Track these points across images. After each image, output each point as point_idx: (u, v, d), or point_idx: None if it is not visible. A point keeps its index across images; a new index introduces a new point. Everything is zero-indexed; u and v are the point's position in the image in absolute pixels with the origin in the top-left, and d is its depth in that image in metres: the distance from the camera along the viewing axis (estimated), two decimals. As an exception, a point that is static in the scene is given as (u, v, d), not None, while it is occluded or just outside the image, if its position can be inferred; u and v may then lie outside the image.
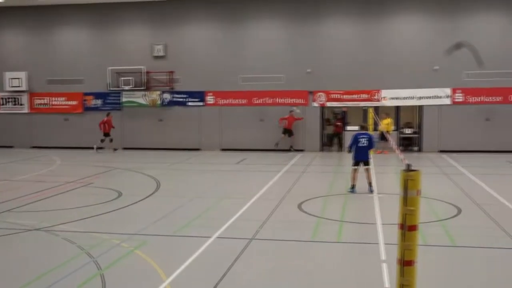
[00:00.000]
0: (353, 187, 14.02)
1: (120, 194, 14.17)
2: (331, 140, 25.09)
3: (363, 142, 13.78)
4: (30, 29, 27.23)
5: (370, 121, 22.98)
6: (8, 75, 27.03)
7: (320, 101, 24.54)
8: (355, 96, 24.26)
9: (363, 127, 15.15)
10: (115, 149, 25.34)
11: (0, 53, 27.52)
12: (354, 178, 13.95)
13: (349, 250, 9.19)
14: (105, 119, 24.92)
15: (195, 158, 22.43)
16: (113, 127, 25.14)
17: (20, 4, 26.22)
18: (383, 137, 23.01)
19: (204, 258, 8.64)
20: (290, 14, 24.77)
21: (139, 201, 13.35)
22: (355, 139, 13.87)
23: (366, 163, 14.00)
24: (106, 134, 24.85)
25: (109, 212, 12.14)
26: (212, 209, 12.47)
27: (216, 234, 9.94)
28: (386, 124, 23.30)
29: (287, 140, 24.39)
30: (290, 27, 24.81)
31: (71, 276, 7.76)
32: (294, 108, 24.22)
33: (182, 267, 8.08)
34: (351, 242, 9.54)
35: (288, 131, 24.30)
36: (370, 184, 13.98)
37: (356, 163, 13.91)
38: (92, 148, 24.97)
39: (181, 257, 8.56)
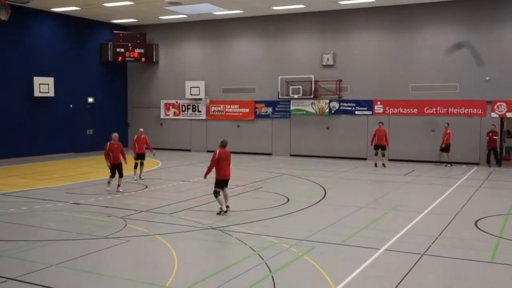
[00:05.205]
0: None
1: (288, 200, 14.54)
2: (488, 155, 22.70)
3: None
4: (207, 42, 29.25)
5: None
6: (188, 84, 29.36)
7: (500, 111, 22.68)
8: (541, 106, 22.03)
9: None
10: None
11: (183, 64, 30.00)
12: None
13: (535, 276, 8.34)
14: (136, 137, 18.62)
15: (361, 168, 22.15)
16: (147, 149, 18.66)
17: (199, 19, 28.32)
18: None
19: (373, 270, 8.47)
20: (464, 18, 23.28)
21: (307, 207, 13.57)
22: None
23: None
24: (140, 155, 18.37)
25: (278, 216, 12.51)
26: (379, 220, 12.21)
27: (385, 247, 9.70)
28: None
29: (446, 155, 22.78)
30: (464, 32, 23.21)
31: (244, 275, 8.15)
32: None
33: (350, 277, 8.02)
34: (538, 268, 8.65)
35: (446, 147, 22.62)
36: None
37: None
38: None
39: (349, 266, 8.51)
